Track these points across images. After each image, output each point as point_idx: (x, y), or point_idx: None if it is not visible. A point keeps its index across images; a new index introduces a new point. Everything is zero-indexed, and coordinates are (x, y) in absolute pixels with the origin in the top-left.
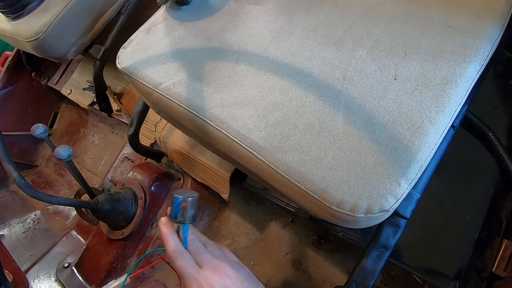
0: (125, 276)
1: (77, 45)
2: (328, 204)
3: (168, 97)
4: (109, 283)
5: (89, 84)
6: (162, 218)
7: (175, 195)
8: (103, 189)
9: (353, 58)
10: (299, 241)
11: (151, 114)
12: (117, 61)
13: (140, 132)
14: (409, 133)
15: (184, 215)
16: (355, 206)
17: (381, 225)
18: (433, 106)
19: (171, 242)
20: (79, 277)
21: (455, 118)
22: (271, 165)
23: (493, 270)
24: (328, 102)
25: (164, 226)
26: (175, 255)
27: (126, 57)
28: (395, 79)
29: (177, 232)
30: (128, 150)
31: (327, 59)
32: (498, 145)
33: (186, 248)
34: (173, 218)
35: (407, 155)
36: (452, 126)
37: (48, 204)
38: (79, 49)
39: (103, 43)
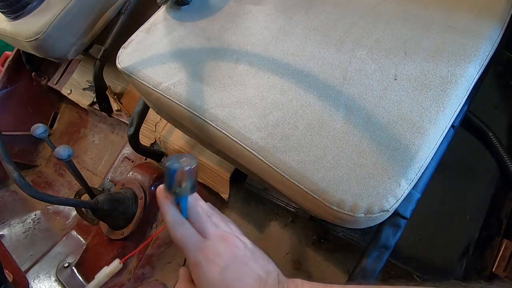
0: (116, 261)
1: (77, 45)
2: (328, 204)
3: (168, 97)
4: (103, 269)
5: (89, 84)
6: (160, 186)
7: (168, 165)
8: (103, 189)
9: (353, 58)
10: (299, 241)
11: (151, 114)
12: (117, 61)
13: (140, 132)
14: (409, 133)
15: (181, 185)
16: (355, 206)
17: (381, 225)
18: (433, 106)
19: (170, 212)
20: (79, 277)
21: (455, 118)
22: (271, 165)
23: (493, 270)
24: (328, 102)
25: (162, 196)
26: (174, 227)
27: (126, 57)
28: (395, 79)
29: (177, 203)
30: (128, 150)
31: (327, 59)
32: (498, 145)
33: (187, 218)
34: (169, 190)
35: (407, 155)
36: (452, 126)
37: (48, 204)
38: (79, 49)
39: (103, 43)
